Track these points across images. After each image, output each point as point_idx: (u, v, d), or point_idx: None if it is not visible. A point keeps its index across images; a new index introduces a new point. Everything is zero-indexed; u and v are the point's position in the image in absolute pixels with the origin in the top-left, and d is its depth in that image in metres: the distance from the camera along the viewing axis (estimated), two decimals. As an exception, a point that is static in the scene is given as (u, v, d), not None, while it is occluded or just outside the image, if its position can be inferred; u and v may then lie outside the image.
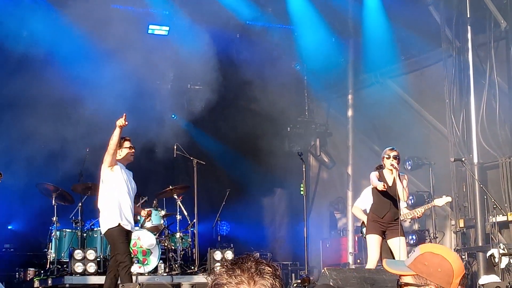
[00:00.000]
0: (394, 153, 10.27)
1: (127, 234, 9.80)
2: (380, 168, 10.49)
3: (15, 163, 14.45)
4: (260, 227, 17.37)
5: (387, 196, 10.25)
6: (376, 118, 16.12)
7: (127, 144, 10.04)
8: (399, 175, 10.22)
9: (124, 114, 9.44)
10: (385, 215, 10.22)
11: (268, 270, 2.85)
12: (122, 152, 9.96)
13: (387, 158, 10.26)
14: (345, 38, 16.82)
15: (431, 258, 4.03)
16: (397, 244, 10.16)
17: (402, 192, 10.12)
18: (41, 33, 14.52)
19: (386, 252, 11.10)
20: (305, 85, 18.01)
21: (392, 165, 10.15)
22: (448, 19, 14.59)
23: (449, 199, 11.19)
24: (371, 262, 10.19)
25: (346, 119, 17.32)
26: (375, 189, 10.28)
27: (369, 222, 10.43)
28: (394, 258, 10.90)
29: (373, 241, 10.24)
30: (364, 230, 11.78)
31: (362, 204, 11.86)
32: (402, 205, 10.76)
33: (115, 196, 9.74)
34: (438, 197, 11.25)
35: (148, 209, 11.19)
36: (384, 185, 10.10)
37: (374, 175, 10.33)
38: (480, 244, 13.45)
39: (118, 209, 9.65)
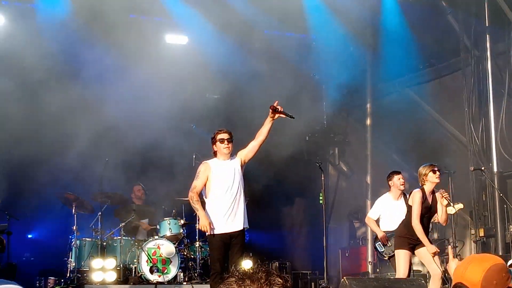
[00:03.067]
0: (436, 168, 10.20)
1: None
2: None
3: (35, 172, 14.55)
4: (279, 236, 17.36)
5: (425, 217, 10.15)
6: (394, 127, 16.08)
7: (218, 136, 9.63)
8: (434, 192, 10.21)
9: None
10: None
11: (278, 281, 2.86)
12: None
13: (433, 172, 10.16)
14: (364, 47, 16.80)
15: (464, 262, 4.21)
16: (426, 252, 10.08)
17: (445, 215, 10.14)
18: (58, 43, 14.62)
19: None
20: (324, 94, 18.00)
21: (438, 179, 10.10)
22: (467, 28, 14.57)
23: (461, 205, 11.13)
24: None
25: (364, 128, 17.31)
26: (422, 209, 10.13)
27: (399, 237, 10.27)
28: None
29: (404, 257, 10.09)
30: (378, 244, 11.75)
31: (375, 215, 11.87)
32: None
33: None
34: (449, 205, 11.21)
35: None
36: (436, 251, 10.05)
37: (418, 196, 10.11)
38: (500, 254, 13.37)
39: None
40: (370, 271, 15.72)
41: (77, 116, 14.85)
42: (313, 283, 15.54)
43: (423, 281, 9.16)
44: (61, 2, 14.63)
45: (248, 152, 9.61)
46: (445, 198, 10.09)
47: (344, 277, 9.14)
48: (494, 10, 14.03)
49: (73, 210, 12.91)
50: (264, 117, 16.28)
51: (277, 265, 15.13)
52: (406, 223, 10.21)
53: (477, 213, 14.06)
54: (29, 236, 15.01)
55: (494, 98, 13.96)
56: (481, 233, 13.93)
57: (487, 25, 14.19)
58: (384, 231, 11.71)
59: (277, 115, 9.36)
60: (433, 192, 10.25)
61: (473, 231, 14.37)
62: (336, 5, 15.11)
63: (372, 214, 11.95)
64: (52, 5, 14.66)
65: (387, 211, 11.80)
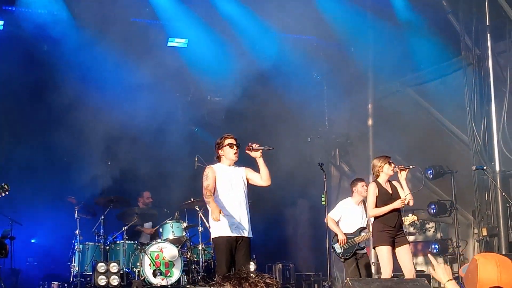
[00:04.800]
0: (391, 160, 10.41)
1: None
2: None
3: (38, 177, 14.58)
4: (282, 238, 17.35)
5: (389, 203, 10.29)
6: (396, 127, 16.06)
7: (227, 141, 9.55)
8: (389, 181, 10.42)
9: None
10: (396, 223, 10.22)
11: (274, 285, 2.85)
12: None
13: (389, 164, 10.31)
14: (365, 48, 16.79)
15: (472, 263, 4.12)
16: (405, 252, 10.21)
17: (411, 198, 10.29)
18: (61, 46, 14.65)
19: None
20: (325, 95, 17.99)
21: (397, 167, 10.25)
22: (468, 27, 14.54)
23: (414, 218, 11.32)
24: (387, 274, 10.11)
25: (366, 128, 17.29)
26: (379, 199, 10.29)
27: (378, 232, 10.29)
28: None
29: (386, 252, 10.14)
30: (336, 245, 11.87)
31: (336, 216, 12.01)
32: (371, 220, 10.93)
33: None
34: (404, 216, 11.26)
35: None
36: (403, 201, 10.17)
37: (372, 188, 10.35)
38: (503, 253, 13.34)
39: None
40: (373, 272, 15.70)
41: (78, 119, 14.88)
42: (316, 285, 15.55)
43: (426, 281, 9.14)
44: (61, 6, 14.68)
45: (253, 176, 9.55)
46: (398, 168, 10.29)
47: (348, 279, 9.14)
48: (494, 9, 14.01)
49: (76, 215, 12.94)
50: (267, 119, 16.40)
51: (281, 267, 15.15)
52: (378, 218, 10.32)
53: (480, 212, 14.03)
54: (32, 241, 15.02)
55: (495, 97, 13.94)
56: (484, 233, 13.89)
57: (487, 24, 14.15)
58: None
59: (257, 153, 9.30)
60: (389, 181, 10.45)
61: (476, 231, 14.36)
62: (338, 6, 15.09)
63: (333, 214, 12.10)
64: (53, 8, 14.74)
65: (347, 215, 12.02)
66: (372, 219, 10.65)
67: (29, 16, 14.71)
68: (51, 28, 14.67)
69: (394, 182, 10.46)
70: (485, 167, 12.97)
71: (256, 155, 9.31)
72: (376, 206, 10.25)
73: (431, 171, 14.85)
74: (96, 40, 14.69)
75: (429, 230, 15.48)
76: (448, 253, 14.65)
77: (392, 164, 10.34)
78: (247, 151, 9.33)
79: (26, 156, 14.21)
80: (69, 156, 15.15)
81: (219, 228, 9.23)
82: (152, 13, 15.44)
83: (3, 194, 10.34)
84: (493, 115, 13.96)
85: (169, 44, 15.96)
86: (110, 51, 14.92)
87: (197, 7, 15.17)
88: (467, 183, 14.43)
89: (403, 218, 10.65)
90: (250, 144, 9.31)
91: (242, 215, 9.32)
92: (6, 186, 10.28)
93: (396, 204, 10.18)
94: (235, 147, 9.42)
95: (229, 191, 9.34)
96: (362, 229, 11.83)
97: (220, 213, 9.03)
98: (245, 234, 9.30)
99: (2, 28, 14.56)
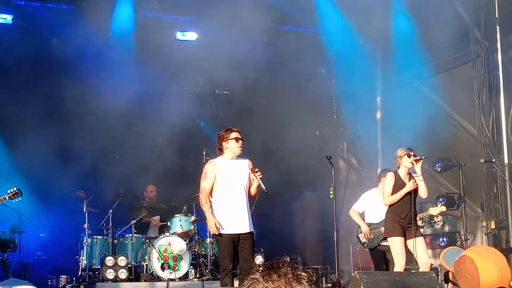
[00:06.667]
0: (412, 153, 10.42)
1: None
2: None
3: (46, 170, 14.60)
4: (290, 231, 17.34)
5: (407, 196, 10.31)
6: (405, 120, 16.01)
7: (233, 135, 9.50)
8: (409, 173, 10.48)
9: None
10: (407, 215, 10.24)
11: (305, 276, 2.83)
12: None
13: (407, 156, 10.30)
14: (373, 40, 16.75)
15: (468, 263, 4.04)
16: (419, 244, 10.27)
17: (425, 190, 10.27)
18: (70, 40, 14.67)
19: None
20: (333, 89, 17.95)
21: (416, 160, 10.25)
22: (477, 19, 14.47)
23: (443, 208, 11.41)
24: (400, 266, 10.13)
25: (375, 121, 17.26)
26: (395, 190, 10.34)
27: (390, 224, 10.40)
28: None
29: (399, 243, 10.23)
30: (360, 235, 11.89)
31: (360, 208, 12.03)
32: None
33: None
34: (432, 205, 11.25)
35: None
36: (414, 182, 10.21)
37: (390, 177, 10.43)
38: (512, 246, 13.34)
39: None
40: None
41: (86, 112, 14.93)
42: (324, 278, 15.54)
43: (434, 274, 9.12)
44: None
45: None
46: (414, 160, 10.31)
47: (355, 272, 9.13)
48: (503, 1, 13.95)
49: (84, 208, 12.97)
50: (276, 112, 16.38)
51: (288, 260, 15.12)
52: (389, 208, 10.47)
53: (488, 205, 13.98)
54: (41, 234, 15.06)
55: (504, 89, 13.87)
56: (492, 226, 13.85)
57: (496, 16, 14.09)
58: (368, 223, 11.93)
59: (256, 176, 9.30)
60: (409, 174, 10.52)
61: (484, 224, 14.32)
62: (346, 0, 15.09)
63: (356, 207, 12.19)
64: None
65: (372, 205, 12.02)
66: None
67: (38, 10, 14.75)
68: (60, 22, 14.70)
69: (415, 176, 10.46)
70: (493, 160, 12.95)
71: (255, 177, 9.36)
72: None
73: (439, 163, 14.82)
74: (104, 33, 14.70)
75: (437, 224, 15.44)
76: (456, 246, 14.62)
77: (412, 157, 10.33)
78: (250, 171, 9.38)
79: (34, 150, 14.22)
80: (77, 149, 15.18)
81: (219, 225, 9.22)
82: (161, 7, 15.43)
83: (16, 200, 10.41)
84: (502, 108, 13.89)
85: (178, 37, 15.95)
86: (119, 45, 14.95)
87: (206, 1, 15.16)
88: (476, 176, 14.39)
89: (430, 209, 10.68)
90: (254, 170, 9.37)
91: (242, 211, 9.31)
92: (19, 191, 10.33)
93: (408, 187, 10.24)
94: (240, 142, 9.38)
95: (230, 186, 9.32)
96: None
97: (215, 225, 9.09)
98: (247, 230, 9.29)
99: (11, 22, 14.57)
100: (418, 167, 10.34)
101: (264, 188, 9.25)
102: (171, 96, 15.71)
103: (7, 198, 10.28)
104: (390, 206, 10.49)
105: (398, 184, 10.37)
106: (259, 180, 9.24)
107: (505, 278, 4.03)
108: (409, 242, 10.29)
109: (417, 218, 10.79)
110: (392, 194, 10.38)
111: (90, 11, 14.48)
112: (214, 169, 9.36)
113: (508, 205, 13.50)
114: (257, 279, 2.80)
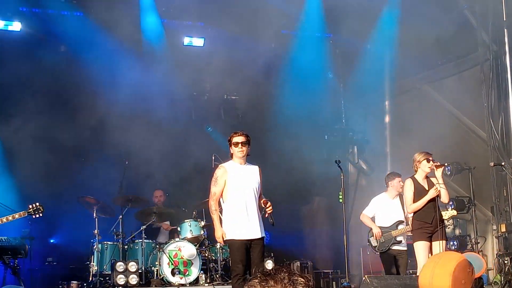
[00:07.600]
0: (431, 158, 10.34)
1: None
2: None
3: (56, 176, 14.64)
4: (300, 235, 17.34)
5: (430, 201, 10.28)
6: (413, 124, 16.02)
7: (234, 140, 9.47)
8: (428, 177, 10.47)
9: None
10: (433, 219, 10.21)
11: (301, 281, 2.88)
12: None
13: (427, 161, 10.26)
14: (381, 44, 16.74)
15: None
16: (440, 247, 10.18)
17: (446, 194, 10.27)
18: (78, 47, 14.73)
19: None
20: (342, 93, 17.96)
21: (436, 166, 10.22)
22: (484, 22, 14.49)
23: (454, 212, 11.43)
24: None
25: (383, 125, 17.26)
26: (416, 196, 10.32)
27: (415, 230, 10.40)
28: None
29: (422, 248, 10.22)
30: (371, 239, 11.92)
31: (370, 212, 12.11)
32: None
33: None
34: (443, 210, 11.27)
35: None
36: (436, 189, 10.18)
37: (408, 184, 10.40)
38: (522, 249, 13.31)
39: None
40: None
41: (95, 119, 14.96)
42: (334, 282, 15.53)
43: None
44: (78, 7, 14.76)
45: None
46: (434, 165, 10.26)
47: (366, 276, 9.13)
48: (511, 4, 13.94)
49: (94, 214, 12.98)
50: (284, 117, 16.39)
51: (299, 264, 15.12)
52: (415, 215, 10.43)
53: (498, 208, 13.98)
54: (52, 240, 15.09)
55: (513, 93, 13.88)
56: (503, 229, 13.83)
57: (504, 19, 14.09)
58: (378, 227, 11.98)
59: (267, 211, 9.32)
60: (427, 177, 10.48)
61: (494, 227, 14.30)
62: (353, 3, 15.06)
63: (367, 211, 12.30)
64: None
65: (382, 209, 12.12)
66: (411, 216, 10.70)
67: (46, 18, 14.79)
68: (68, 29, 14.74)
69: (433, 179, 10.45)
70: (503, 163, 12.93)
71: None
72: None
73: (449, 167, 14.82)
74: (112, 40, 14.74)
75: (448, 227, 15.41)
76: (467, 249, 14.60)
77: (431, 162, 10.31)
78: (262, 203, 9.39)
79: (44, 157, 14.26)
80: (87, 155, 15.22)
81: (231, 232, 9.24)
82: (168, 13, 15.47)
83: (37, 216, 10.27)
84: (511, 111, 13.89)
85: (186, 43, 15.98)
86: (126, 50, 14.98)
87: (212, 5, 15.17)
88: (485, 179, 14.38)
89: (442, 213, 10.70)
90: (265, 205, 9.33)
91: (253, 216, 9.31)
92: (41, 207, 10.22)
93: (431, 194, 10.22)
94: (240, 145, 9.37)
95: (240, 191, 9.32)
96: (399, 222, 11.88)
97: (222, 236, 9.12)
98: (258, 236, 9.31)
99: (20, 30, 14.61)
100: (439, 173, 10.29)
101: (272, 222, 9.30)
102: (180, 101, 15.75)
103: (26, 214, 10.14)
104: (414, 213, 10.47)
105: (418, 190, 10.35)
106: (269, 214, 9.29)
107: (458, 280, 4.08)
108: (438, 245, 10.24)
109: (443, 219, 10.76)
110: (414, 201, 10.36)
111: (99, 18, 14.51)
112: (224, 174, 9.37)
113: (518, 208, 13.49)
114: (254, 286, 2.86)
